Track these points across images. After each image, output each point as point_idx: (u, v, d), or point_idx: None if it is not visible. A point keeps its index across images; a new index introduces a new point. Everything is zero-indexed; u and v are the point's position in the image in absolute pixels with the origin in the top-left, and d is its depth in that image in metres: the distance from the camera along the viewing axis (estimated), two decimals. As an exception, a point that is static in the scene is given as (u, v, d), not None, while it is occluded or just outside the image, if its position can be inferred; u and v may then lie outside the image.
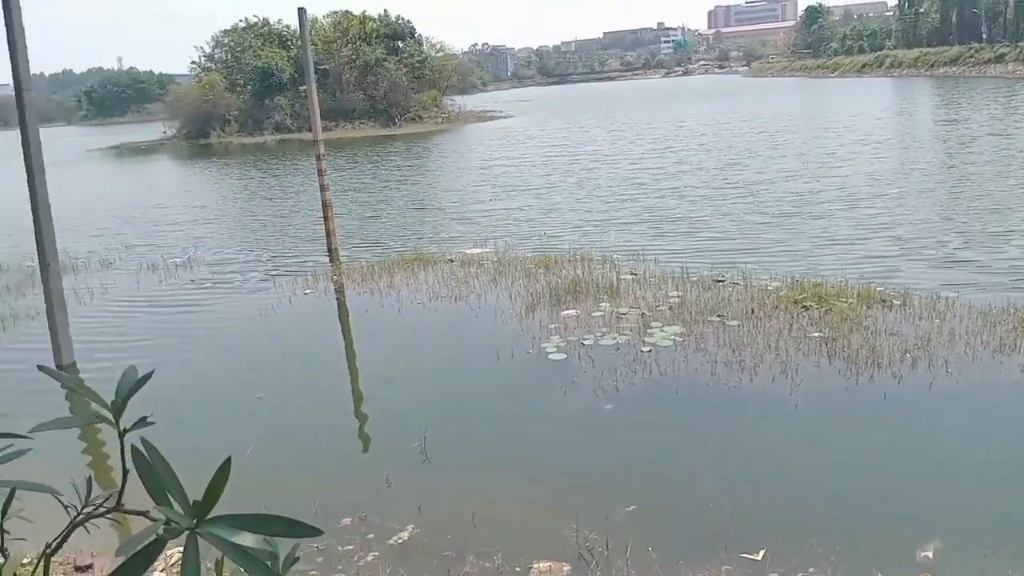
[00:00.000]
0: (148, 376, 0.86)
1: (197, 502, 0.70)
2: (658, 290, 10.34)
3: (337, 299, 11.93)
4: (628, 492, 5.47)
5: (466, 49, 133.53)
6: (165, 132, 60.27)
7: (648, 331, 8.69)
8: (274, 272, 13.84)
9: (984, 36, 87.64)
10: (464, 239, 15.47)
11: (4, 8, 8.36)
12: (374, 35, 56.35)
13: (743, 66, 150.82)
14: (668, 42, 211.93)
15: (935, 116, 36.58)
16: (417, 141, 42.85)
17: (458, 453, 6.44)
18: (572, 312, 9.65)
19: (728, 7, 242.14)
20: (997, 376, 7.00)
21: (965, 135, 27.11)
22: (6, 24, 8.38)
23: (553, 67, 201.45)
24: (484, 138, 41.40)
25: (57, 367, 9.03)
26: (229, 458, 0.77)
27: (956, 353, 7.41)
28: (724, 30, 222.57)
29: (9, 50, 8.40)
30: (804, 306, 8.90)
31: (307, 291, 12.27)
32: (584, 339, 8.62)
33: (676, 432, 6.64)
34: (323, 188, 14.39)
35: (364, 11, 58.21)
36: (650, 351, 8.10)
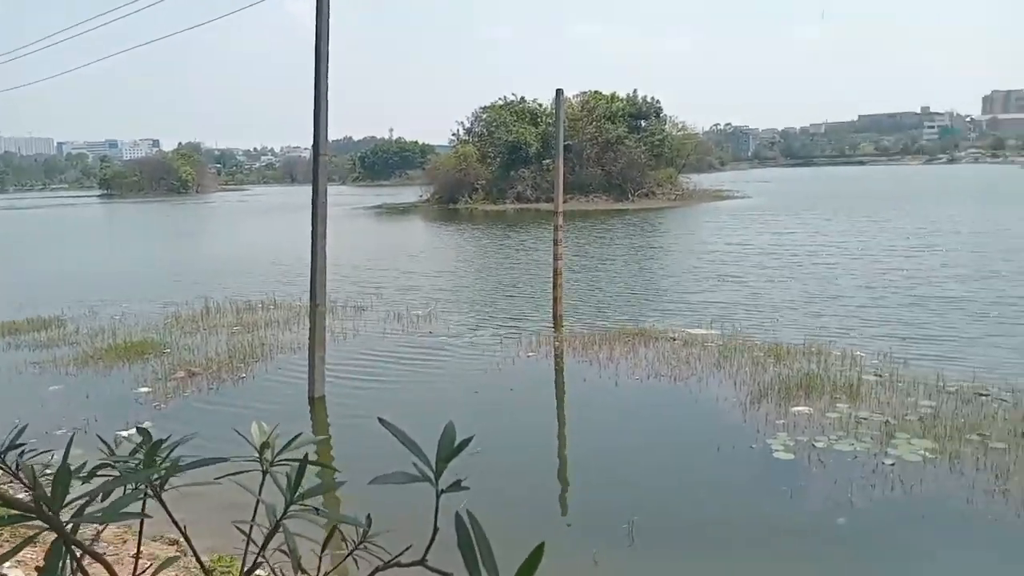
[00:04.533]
0: (467, 441, 0.93)
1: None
2: (907, 397, 9.34)
3: (557, 365, 12.18)
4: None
5: (707, 128, 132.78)
6: (421, 196, 66.42)
7: (892, 441, 7.86)
8: (501, 333, 14.47)
9: None
10: (686, 320, 15.12)
11: (315, 88, 9.85)
12: (619, 113, 58.13)
13: (1021, 156, 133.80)
14: (932, 127, 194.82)
15: None
16: (647, 217, 42.98)
17: (668, 544, 6.18)
18: (804, 409, 9.01)
19: (1008, 92, 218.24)
20: None
21: None
22: (315, 100, 9.85)
23: (798, 149, 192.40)
24: (716, 218, 40.43)
25: (310, 399, 10.16)
26: (542, 544, 0.81)
27: None
28: (1001, 116, 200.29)
29: (314, 121, 9.84)
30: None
31: (530, 353, 12.69)
32: (816, 441, 8.00)
33: (920, 565, 5.86)
34: (556, 257, 14.97)
35: (614, 92, 60.46)
36: (893, 465, 7.30)
